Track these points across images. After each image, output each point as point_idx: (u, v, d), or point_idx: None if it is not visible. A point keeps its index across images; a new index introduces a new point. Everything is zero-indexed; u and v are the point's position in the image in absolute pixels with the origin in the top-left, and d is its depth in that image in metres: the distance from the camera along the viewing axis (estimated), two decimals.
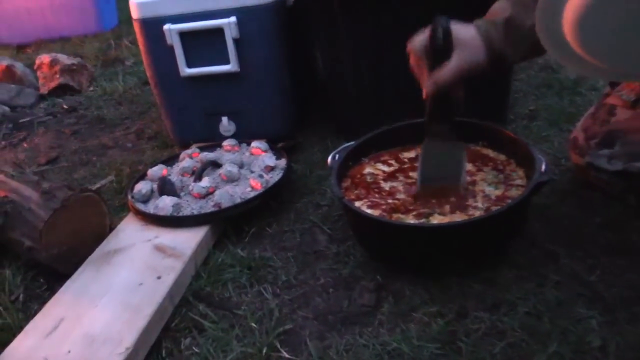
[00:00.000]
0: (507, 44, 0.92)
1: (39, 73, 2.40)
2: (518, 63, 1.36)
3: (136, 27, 1.46)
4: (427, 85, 0.95)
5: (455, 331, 0.88)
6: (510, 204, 0.96)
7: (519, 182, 1.05)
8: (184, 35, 1.41)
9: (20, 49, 3.31)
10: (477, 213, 0.98)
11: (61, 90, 2.31)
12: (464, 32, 0.94)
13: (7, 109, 2.15)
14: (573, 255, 1.00)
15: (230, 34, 1.39)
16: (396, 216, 1.02)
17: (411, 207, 1.03)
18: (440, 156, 1.04)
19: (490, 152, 1.15)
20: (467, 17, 0.96)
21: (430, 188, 1.05)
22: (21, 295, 1.10)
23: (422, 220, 0.99)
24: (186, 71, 1.45)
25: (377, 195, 1.08)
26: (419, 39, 0.96)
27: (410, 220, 1.00)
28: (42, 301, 1.06)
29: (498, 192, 1.03)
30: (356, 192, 1.10)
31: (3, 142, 1.92)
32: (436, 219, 0.99)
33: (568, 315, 0.87)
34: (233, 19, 1.38)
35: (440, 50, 0.93)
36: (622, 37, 0.67)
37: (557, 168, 1.26)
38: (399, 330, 0.90)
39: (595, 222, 1.07)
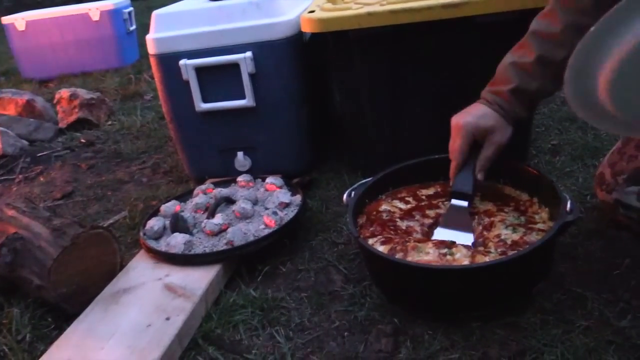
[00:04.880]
0: (519, 106, 1.02)
1: (58, 107, 2.42)
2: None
3: (152, 62, 1.46)
4: (476, 174, 1.05)
5: None
6: (535, 246, 0.91)
7: (540, 225, 1.00)
8: (199, 70, 1.41)
9: (42, 83, 3.37)
10: (488, 258, 0.93)
11: (80, 124, 2.34)
12: (483, 121, 1.02)
13: (25, 143, 2.17)
14: (602, 299, 0.94)
15: (246, 69, 1.38)
16: (413, 244, 0.97)
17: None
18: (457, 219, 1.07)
19: (512, 191, 1.11)
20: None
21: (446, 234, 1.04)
22: (28, 335, 1.08)
23: (445, 251, 0.95)
24: (202, 106, 1.44)
25: (392, 233, 1.04)
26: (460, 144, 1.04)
27: (430, 249, 0.96)
28: (49, 341, 1.04)
29: (516, 237, 0.98)
30: (371, 229, 1.06)
31: (20, 176, 1.93)
32: (459, 250, 0.94)
33: None
34: (249, 54, 1.37)
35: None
36: None
37: (582, 205, 1.21)
38: None
39: (625, 263, 1.02)
